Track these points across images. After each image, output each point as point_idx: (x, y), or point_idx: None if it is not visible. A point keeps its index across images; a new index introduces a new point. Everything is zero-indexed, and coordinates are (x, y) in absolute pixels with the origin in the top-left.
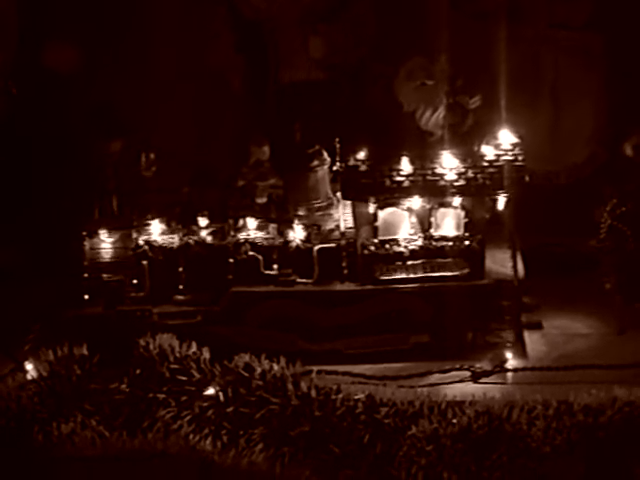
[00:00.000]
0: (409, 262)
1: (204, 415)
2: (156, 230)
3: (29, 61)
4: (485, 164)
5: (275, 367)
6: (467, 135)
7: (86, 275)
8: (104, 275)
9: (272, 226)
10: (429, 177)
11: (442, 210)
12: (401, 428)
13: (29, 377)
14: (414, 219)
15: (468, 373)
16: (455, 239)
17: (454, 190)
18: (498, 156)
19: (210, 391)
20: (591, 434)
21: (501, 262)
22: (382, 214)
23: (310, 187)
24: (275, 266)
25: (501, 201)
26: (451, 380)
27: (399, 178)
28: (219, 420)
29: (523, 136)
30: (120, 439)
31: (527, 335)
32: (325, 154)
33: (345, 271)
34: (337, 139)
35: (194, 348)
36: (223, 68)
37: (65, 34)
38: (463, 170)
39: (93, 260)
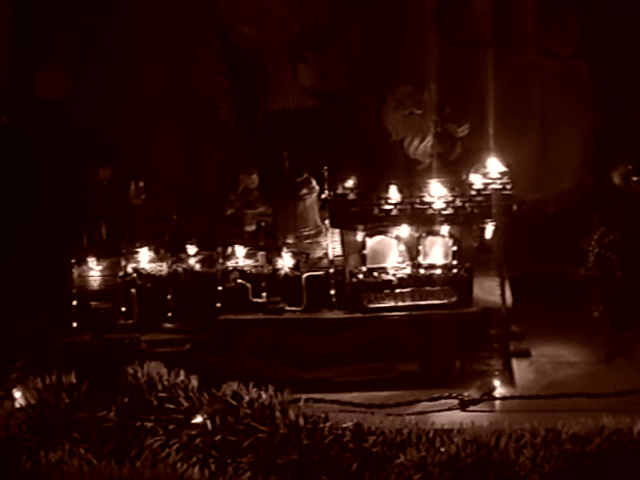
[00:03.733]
0: (397, 290)
1: (192, 443)
2: (145, 258)
3: (19, 88)
4: (473, 193)
5: (263, 395)
6: (455, 163)
7: (74, 303)
8: (92, 303)
9: (261, 254)
10: (417, 205)
11: (430, 238)
12: (389, 456)
13: (17, 405)
14: (402, 247)
15: (456, 401)
16: (443, 267)
17: (442, 218)
18: (486, 185)
19: (198, 419)
20: (579, 462)
21: (489, 290)
22: (370, 242)
23: (299, 215)
24: (264, 294)
25: (489, 229)
26: (439, 408)
27: (387, 206)
28: (207, 448)
29: (511, 164)
30: (108, 467)
31: (515, 363)
32: (314, 182)
33: (333, 299)
34: (325, 167)
35: (182, 376)
36: (212, 95)
37: (55, 61)
38: (451, 199)
39: (81, 287)
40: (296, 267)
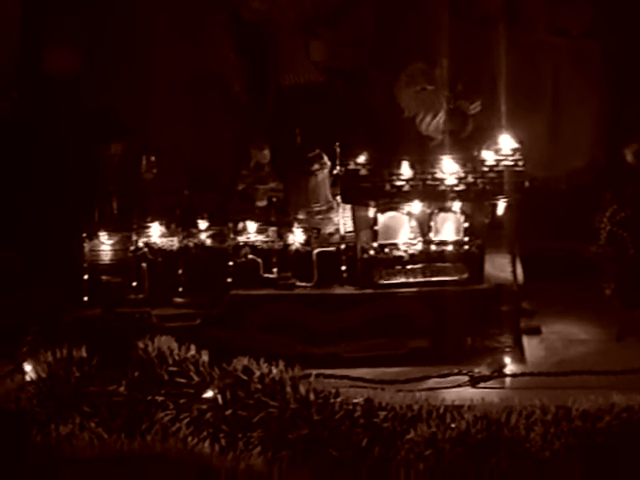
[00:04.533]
0: (408, 266)
1: (202, 418)
2: (156, 232)
3: (30, 65)
4: (485, 169)
5: (274, 370)
6: (467, 140)
7: (85, 277)
8: (103, 277)
9: (272, 229)
10: (429, 182)
11: (442, 215)
12: (399, 432)
13: (28, 378)
14: (414, 223)
15: (467, 378)
16: (455, 244)
17: (454, 195)
18: (498, 161)
19: (209, 394)
20: (589, 439)
21: (500, 267)
22: (382, 218)
23: (310, 191)
24: (274, 269)
25: (501, 206)
26: (450, 385)
27: (399, 182)
28: (217, 423)
29: (523, 141)
30: (118, 441)
31: (526, 340)
32: (325, 158)
33: (344, 275)
34: (337, 143)
35: (193, 351)
36: (224, 71)
37: (66, 38)
38: (463, 175)
39: (92, 262)
40: (307, 243)
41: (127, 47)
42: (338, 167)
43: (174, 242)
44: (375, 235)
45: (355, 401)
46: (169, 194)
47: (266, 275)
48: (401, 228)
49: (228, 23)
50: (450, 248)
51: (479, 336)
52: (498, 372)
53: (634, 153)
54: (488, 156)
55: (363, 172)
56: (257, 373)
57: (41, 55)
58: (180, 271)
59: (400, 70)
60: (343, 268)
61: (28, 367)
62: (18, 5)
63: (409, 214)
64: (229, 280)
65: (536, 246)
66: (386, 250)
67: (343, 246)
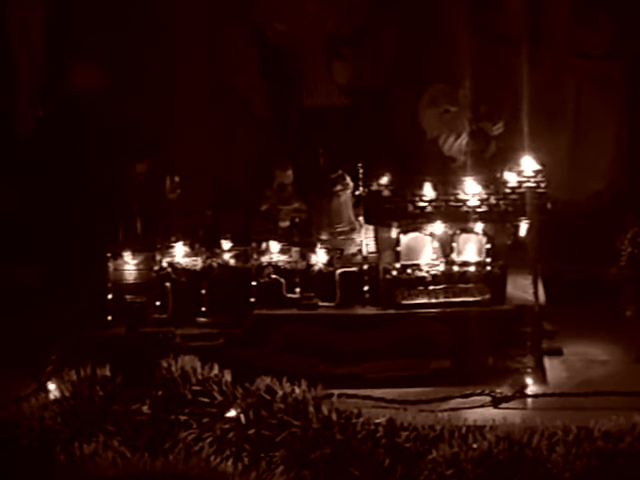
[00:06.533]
0: (431, 287)
1: (225, 437)
2: (179, 252)
3: (55, 83)
4: (507, 191)
5: (297, 390)
6: (490, 162)
7: (109, 296)
8: (127, 296)
9: (295, 250)
10: (452, 203)
11: (464, 236)
12: (422, 452)
13: (52, 397)
14: (436, 244)
15: (489, 398)
16: (477, 265)
17: (476, 216)
18: (520, 183)
19: (231, 413)
20: (611, 460)
21: (522, 288)
22: (404, 239)
23: (333, 211)
24: (297, 289)
25: (523, 227)
26: (472, 405)
27: (422, 203)
28: (240, 442)
29: (545, 163)
30: (142, 460)
31: (547, 361)
32: (348, 179)
33: (367, 295)
34: (360, 164)
35: (216, 370)
36: (248, 91)
37: (90, 56)
38: (485, 196)
39: (116, 281)
40: (330, 263)
41: (152, 66)
42: (361, 188)
43: (198, 262)
44: (397, 256)
45: (377, 421)
46: (193, 214)
47: (289, 295)
48: (423, 249)
49: (252, 41)
50: (472, 269)
51: (501, 357)
52: (520, 393)
53: None
54: (510, 177)
55: (386, 193)
56: (280, 393)
57: (66, 73)
58: (203, 291)
59: (423, 91)
60: (365, 288)
61: (52, 386)
62: (42, 23)
63: (431, 235)
64: (252, 300)
65: (558, 267)
66: (408, 271)
67: (366, 267)
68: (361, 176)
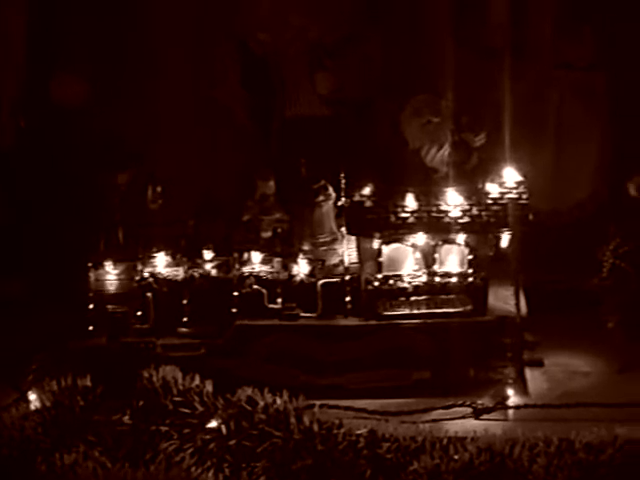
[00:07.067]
0: (412, 298)
1: (206, 448)
2: (161, 262)
3: (37, 94)
4: (489, 201)
5: (278, 401)
6: (472, 172)
7: (91, 306)
8: (109, 306)
9: (277, 260)
10: (434, 214)
11: (446, 246)
12: (403, 463)
13: (32, 407)
14: (418, 255)
15: (470, 409)
16: (459, 275)
17: (458, 227)
18: (502, 194)
19: (213, 424)
20: (592, 472)
21: (504, 299)
22: (386, 250)
23: (315, 222)
24: (279, 300)
25: (505, 238)
26: (453, 416)
27: (404, 214)
28: (221, 453)
29: (527, 174)
30: (122, 471)
31: (529, 372)
32: (330, 189)
33: (349, 306)
34: (342, 174)
35: (197, 381)
36: (230, 101)
37: (72, 67)
38: (467, 207)
39: (98, 291)
40: (312, 274)
41: (134, 77)
42: (343, 198)
43: (179, 272)
44: (379, 267)
45: (359, 432)
46: (175, 224)
47: (271, 306)
48: (405, 260)
49: (234, 54)
50: (454, 280)
51: (482, 368)
52: (501, 404)
53: (637, 187)
54: (492, 189)
55: (368, 204)
56: (261, 403)
57: (48, 84)
58: (185, 301)
59: (406, 102)
60: (347, 299)
61: (33, 396)
62: (24, 34)
63: (413, 246)
64: (234, 310)
65: (539, 278)
66: (390, 282)
67: (347, 277)
68: (343, 187)
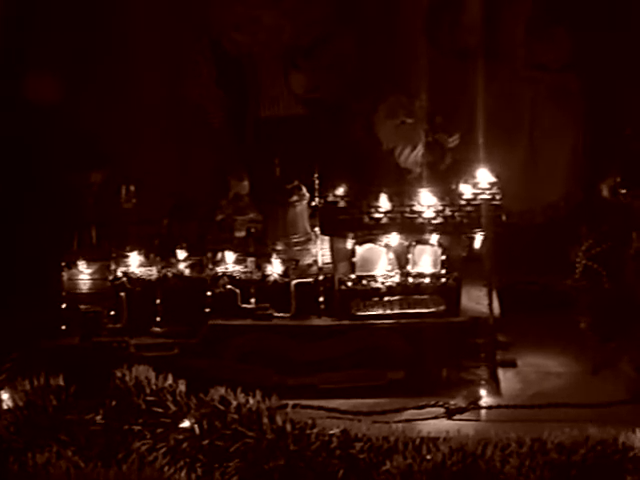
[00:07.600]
0: (386, 298)
1: (179, 447)
2: (134, 262)
3: (9, 92)
4: (463, 202)
5: (251, 401)
6: (445, 173)
7: (64, 306)
8: (81, 306)
9: (250, 260)
10: (407, 214)
11: (420, 247)
12: (375, 463)
13: (5, 407)
14: (392, 255)
15: (443, 410)
16: (432, 276)
17: (432, 227)
18: (476, 195)
19: (185, 424)
20: (564, 472)
21: (477, 299)
22: (360, 250)
23: (289, 222)
24: (252, 300)
25: (478, 239)
26: (426, 416)
27: (377, 215)
28: (194, 453)
29: (501, 175)
30: (95, 470)
31: (501, 373)
32: (304, 189)
33: (322, 306)
34: (316, 175)
35: (170, 380)
36: (204, 101)
37: (46, 65)
38: (441, 208)
39: (71, 291)
40: (285, 274)
41: (107, 75)
42: (317, 199)
43: (153, 272)
44: (353, 267)
45: (331, 432)
46: (148, 224)
47: (244, 305)
48: (379, 260)
49: (208, 53)
50: (427, 280)
51: (455, 368)
52: (474, 404)
53: (610, 188)
54: (466, 189)
55: (342, 204)
56: (234, 403)
57: (20, 82)
58: (158, 301)
59: (379, 103)
60: (321, 299)
61: (5, 395)
62: None
63: (387, 246)
64: (207, 310)
65: (512, 279)
66: (364, 282)
67: (321, 277)
68: (317, 187)
